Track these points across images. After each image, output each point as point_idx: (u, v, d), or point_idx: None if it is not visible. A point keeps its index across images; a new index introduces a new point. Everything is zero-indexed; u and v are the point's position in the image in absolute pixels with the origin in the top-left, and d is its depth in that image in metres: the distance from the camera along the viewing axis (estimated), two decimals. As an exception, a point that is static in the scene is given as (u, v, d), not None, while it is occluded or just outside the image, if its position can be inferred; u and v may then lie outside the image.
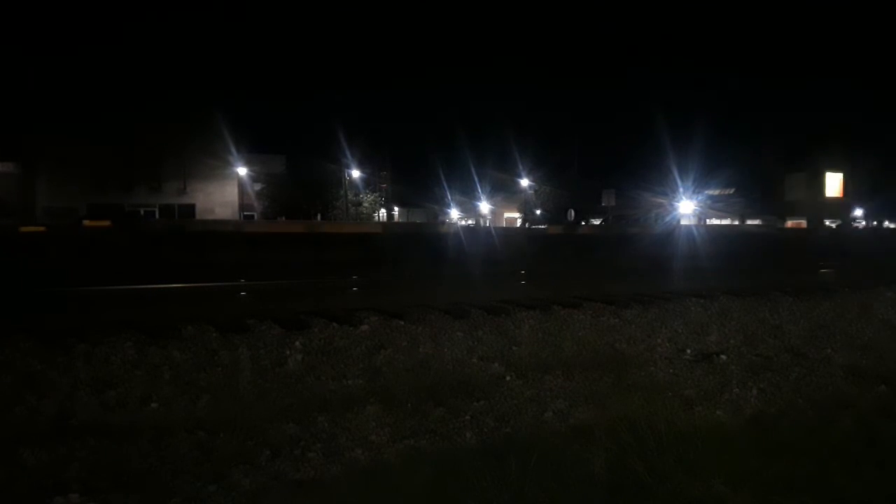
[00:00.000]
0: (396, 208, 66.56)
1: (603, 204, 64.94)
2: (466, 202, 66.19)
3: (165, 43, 79.82)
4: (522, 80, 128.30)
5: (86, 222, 30.12)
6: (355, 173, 51.37)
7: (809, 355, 8.22)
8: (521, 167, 55.12)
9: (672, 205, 47.53)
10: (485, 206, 64.95)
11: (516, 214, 65.12)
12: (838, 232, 42.14)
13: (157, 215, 43.80)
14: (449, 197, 62.41)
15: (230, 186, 47.01)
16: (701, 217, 49.59)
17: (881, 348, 8.70)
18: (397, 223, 47.03)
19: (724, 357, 7.84)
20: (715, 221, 52.88)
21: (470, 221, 63.78)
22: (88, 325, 6.68)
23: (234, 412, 5.59)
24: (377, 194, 54.76)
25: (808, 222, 49.74)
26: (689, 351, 8.21)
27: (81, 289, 9.58)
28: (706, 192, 49.67)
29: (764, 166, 51.41)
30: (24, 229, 23.25)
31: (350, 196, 50.83)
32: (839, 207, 51.56)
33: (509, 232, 40.97)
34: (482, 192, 60.39)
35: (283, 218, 45.39)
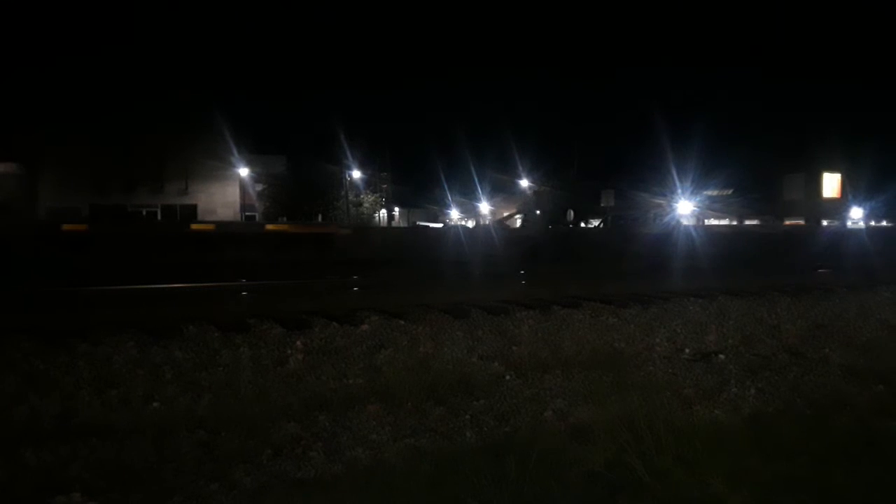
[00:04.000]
0: (397, 209, 66.58)
1: (602, 204, 64.89)
2: (466, 203, 66.20)
3: (166, 43, 79.83)
4: (522, 81, 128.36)
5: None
6: (356, 174, 51.37)
7: (807, 355, 8.25)
8: (520, 168, 55.15)
9: (671, 205, 47.54)
10: (485, 207, 64.97)
11: (516, 215, 65.10)
12: (836, 231, 42.18)
13: (159, 216, 43.82)
14: (449, 197, 62.48)
15: (232, 187, 46.99)
16: (699, 217, 49.63)
17: (879, 348, 8.74)
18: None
19: (722, 357, 7.87)
20: (713, 222, 52.92)
21: (470, 222, 63.78)
22: (90, 325, 6.71)
23: (235, 411, 5.62)
24: (378, 195, 54.77)
25: (806, 222, 49.77)
26: (687, 350, 8.25)
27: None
28: (705, 192, 49.67)
29: (762, 167, 51.49)
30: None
31: (351, 197, 50.84)
32: (837, 208, 51.62)
33: (509, 232, 40.93)
34: (482, 192, 60.42)
35: (284, 218, 45.42)
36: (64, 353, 5.96)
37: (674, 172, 43.98)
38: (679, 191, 45.67)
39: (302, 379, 6.39)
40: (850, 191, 51.16)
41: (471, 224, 60.40)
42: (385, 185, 57.29)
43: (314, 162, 48.94)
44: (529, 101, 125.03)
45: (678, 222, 41.84)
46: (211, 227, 25.94)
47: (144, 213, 43.53)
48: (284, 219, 45.00)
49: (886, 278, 12.42)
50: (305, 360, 6.63)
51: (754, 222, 50.69)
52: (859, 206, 49.85)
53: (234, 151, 43.07)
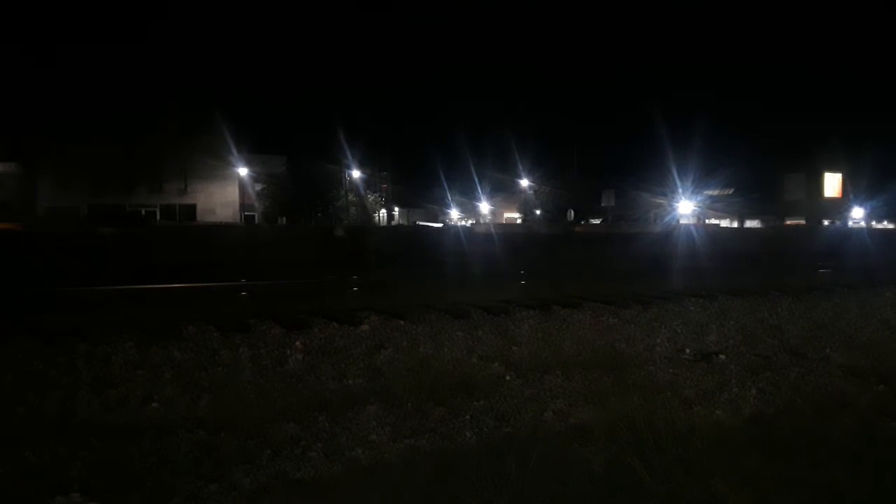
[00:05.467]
0: (397, 208, 66.59)
1: (602, 204, 64.89)
2: (467, 202, 66.22)
3: (166, 43, 79.87)
4: (522, 81, 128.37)
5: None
6: (356, 174, 51.40)
7: (808, 355, 8.24)
8: (520, 167, 55.10)
9: (671, 205, 47.61)
10: (485, 207, 64.99)
11: (516, 214, 65.11)
12: (837, 231, 42.19)
13: (158, 216, 43.84)
14: (449, 197, 62.54)
15: (231, 187, 47.06)
16: (700, 217, 49.66)
17: (880, 348, 8.72)
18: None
19: (723, 357, 7.86)
20: (714, 221, 52.93)
21: (470, 221, 63.78)
22: (89, 325, 6.70)
23: (234, 411, 5.62)
24: (377, 195, 54.83)
25: (807, 222, 49.78)
26: (688, 351, 8.23)
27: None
28: (705, 192, 49.69)
29: (763, 166, 51.50)
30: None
31: (351, 196, 50.89)
32: (838, 207, 51.60)
33: (509, 232, 40.96)
34: (482, 192, 60.40)
35: (284, 219, 45.47)
36: (63, 354, 5.96)
37: (674, 172, 44.01)
38: (680, 190, 45.70)
39: (301, 379, 6.38)
40: (852, 190, 51.15)
41: (471, 223, 60.42)
42: (385, 185, 57.30)
43: (314, 161, 48.93)
44: (530, 101, 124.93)
45: (679, 222, 41.88)
46: None
47: (143, 212, 43.58)
48: (284, 219, 45.07)
49: (887, 278, 12.40)
50: (305, 361, 6.62)
51: (755, 222, 50.70)
52: (860, 205, 49.85)
53: (234, 151, 43.10)
